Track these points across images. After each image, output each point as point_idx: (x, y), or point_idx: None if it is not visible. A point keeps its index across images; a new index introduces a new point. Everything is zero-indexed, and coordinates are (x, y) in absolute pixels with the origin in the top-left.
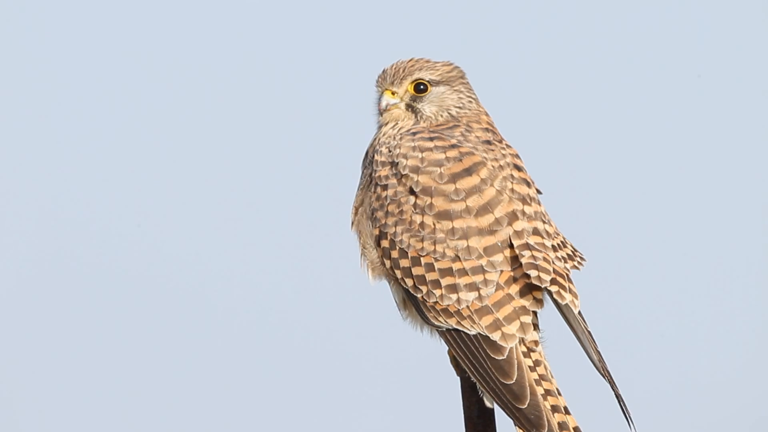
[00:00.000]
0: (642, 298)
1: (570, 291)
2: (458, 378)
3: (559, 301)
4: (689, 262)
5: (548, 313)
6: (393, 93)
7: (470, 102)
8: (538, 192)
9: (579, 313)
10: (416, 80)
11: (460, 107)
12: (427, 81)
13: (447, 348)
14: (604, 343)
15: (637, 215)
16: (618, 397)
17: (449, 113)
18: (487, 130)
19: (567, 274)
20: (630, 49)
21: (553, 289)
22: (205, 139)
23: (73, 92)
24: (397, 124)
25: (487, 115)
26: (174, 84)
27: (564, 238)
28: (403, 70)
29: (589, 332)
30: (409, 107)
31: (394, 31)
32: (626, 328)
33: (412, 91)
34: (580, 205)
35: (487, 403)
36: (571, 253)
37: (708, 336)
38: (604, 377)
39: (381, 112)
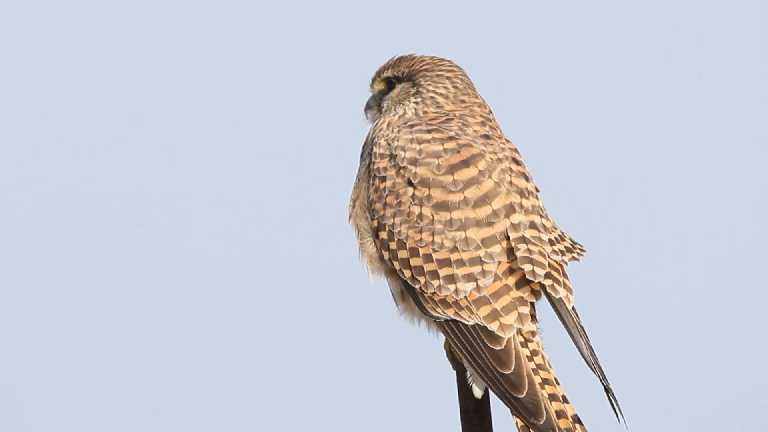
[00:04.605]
0: (642, 296)
1: (564, 285)
2: (454, 372)
3: (553, 295)
4: (689, 261)
5: (545, 304)
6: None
7: (437, 96)
8: (536, 189)
9: (573, 308)
10: (385, 78)
11: (417, 102)
12: (393, 78)
13: (443, 342)
14: (604, 339)
15: (637, 214)
16: (608, 391)
17: (416, 106)
18: (483, 123)
19: (562, 269)
20: (630, 49)
21: (547, 283)
22: (204, 138)
23: (74, 92)
24: (391, 117)
25: (481, 106)
26: (173, 83)
27: (562, 232)
28: (376, 71)
29: (581, 327)
30: (379, 105)
31: (389, 26)
32: (627, 324)
33: (386, 88)
34: (582, 203)
35: (476, 393)
36: (570, 245)
37: (706, 331)
38: (594, 372)
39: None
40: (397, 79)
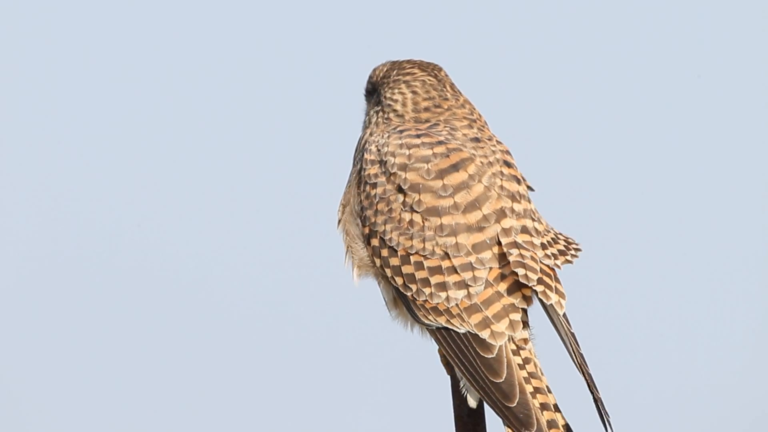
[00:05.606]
0: (641, 298)
1: (556, 291)
2: (448, 377)
3: (545, 301)
4: (689, 262)
5: (538, 310)
6: None
7: (393, 102)
8: (530, 189)
9: (564, 314)
10: (365, 91)
11: (378, 111)
12: (368, 92)
13: (437, 347)
14: (603, 342)
15: (637, 215)
16: (597, 400)
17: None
18: (470, 126)
19: (554, 274)
20: (630, 49)
21: (539, 288)
22: (203, 138)
23: (73, 92)
24: (372, 127)
25: (463, 106)
26: (173, 84)
27: (556, 234)
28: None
29: (572, 334)
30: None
31: (383, 30)
32: (627, 327)
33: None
34: (580, 204)
35: (471, 403)
36: (563, 248)
37: (707, 336)
38: (584, 379)
39: None
40: (371, 90)
